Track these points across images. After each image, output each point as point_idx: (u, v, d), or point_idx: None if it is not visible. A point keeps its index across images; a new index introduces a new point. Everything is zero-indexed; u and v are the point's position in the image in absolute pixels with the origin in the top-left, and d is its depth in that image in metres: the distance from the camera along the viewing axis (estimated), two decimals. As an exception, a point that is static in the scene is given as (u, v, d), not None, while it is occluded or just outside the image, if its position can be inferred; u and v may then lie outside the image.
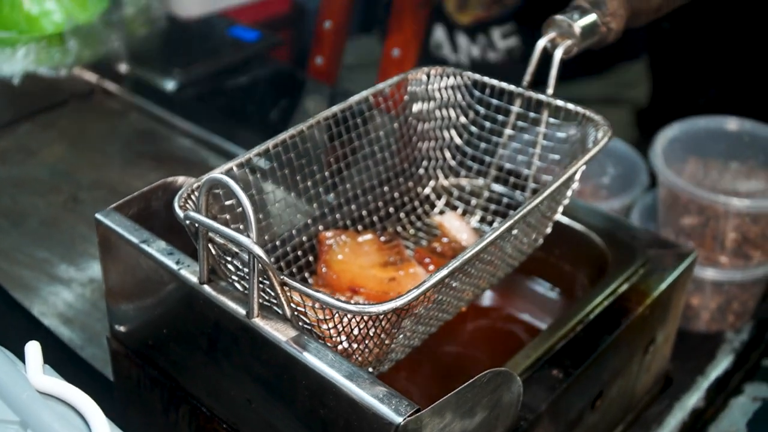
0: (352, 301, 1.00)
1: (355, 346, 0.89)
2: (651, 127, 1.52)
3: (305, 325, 0.87)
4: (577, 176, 1.02)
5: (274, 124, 1.87)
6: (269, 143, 1.00)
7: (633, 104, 1.99)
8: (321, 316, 0.85)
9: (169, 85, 1.92)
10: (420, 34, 1.48)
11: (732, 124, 1.48)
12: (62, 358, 1.25)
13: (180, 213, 0.87)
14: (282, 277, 0.83)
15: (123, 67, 1.95)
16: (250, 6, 2.28)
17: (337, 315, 0.84)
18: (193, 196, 0.92)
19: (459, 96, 1.14)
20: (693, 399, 1.30)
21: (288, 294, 0.84)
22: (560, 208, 1.06)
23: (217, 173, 0.86)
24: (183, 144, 1.77)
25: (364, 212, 1.14)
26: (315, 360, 0.82)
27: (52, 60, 1.80)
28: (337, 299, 0.80)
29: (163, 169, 1.69)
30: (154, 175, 1.67)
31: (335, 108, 1.06)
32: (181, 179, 1.06)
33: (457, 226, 1.11)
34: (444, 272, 0.83)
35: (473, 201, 1.15)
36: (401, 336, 0.90)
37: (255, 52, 1.98)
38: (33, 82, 1.80)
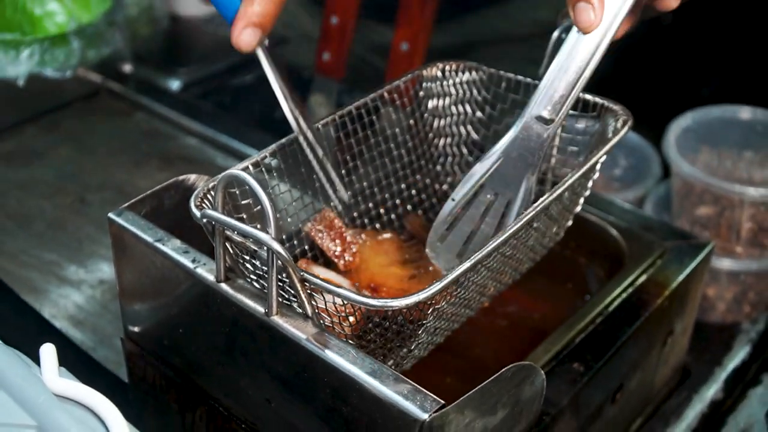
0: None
1: (377, 342, 0.88)
2: (657, 118, 1.51)
3: (326, 323, 0.86)
4: (598, 167, 1.01)
5: (280, 121, 1.86)
6: (283, 141, 0.99)
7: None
8: (343, 313, 0.84)
9: (174, 84, 1.91)
10: (428, 27, 1.47)
11: (745, 113, 1.47)
12: (75, 361, 1.23)
13: (196, 212, 0.86)
14: (302, 273, 0.81)
15: (127, 68, 1.94)
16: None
17: (358, 311, 0.83)
18: (209, 195, 0.90)
19: (475, 91, 1.12)
20: (711, 390, 1.29)
21: (308, 291, 0.83)
22: (581, 200, 1.05)
23: (233, 170, 0.85)
24: (189, 143, 1.76)
25: (381, 210, 1.13)
26: (337, 357, 0.81)
27: (57, 61, 1.80)
28: (359, 294, 0.79)
29: (170, 168, 1.69)
30: (161, 175, 1.66)
31: (350, 105, 1.05)
32: (193, 177, 1.05)
33: None
34: (466, 265, 0.82)
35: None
36: (424, 332, 0.89)
37: (259, 49, 1.97)
38: (37, 84, 1.79)
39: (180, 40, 2.13)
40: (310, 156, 0.97)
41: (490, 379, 0.79)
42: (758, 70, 2.18)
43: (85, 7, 1.98)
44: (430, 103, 1.13)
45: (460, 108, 1.13)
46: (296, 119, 0.97)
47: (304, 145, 0.97)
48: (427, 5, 1.45)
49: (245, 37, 0.90)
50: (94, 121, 1.86)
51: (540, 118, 0.96)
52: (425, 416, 0.76)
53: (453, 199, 1.00)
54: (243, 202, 0.94)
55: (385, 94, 1.09)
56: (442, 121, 1.14)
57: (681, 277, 1.12)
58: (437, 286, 0.79)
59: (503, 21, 1.79)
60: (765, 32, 2.16)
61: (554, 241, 1.08)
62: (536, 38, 1.78)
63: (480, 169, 1.00)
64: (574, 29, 0.93)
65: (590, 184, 1.04)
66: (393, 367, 0.91)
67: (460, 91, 1.13)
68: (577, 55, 0.94)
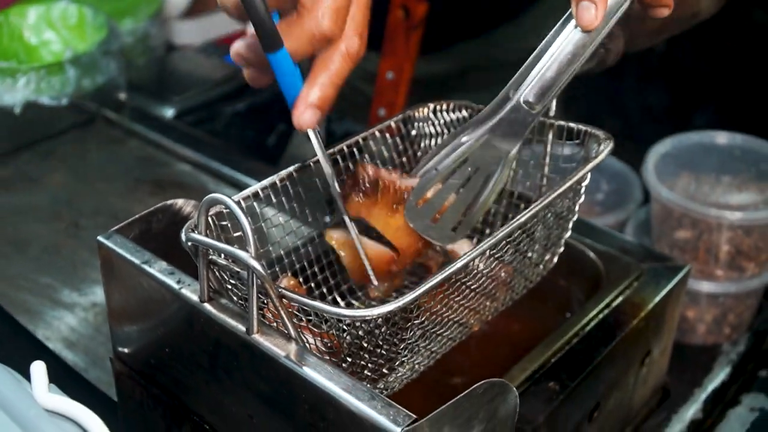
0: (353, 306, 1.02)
1: (363, 361, 0.91)
2: (643, 144, 1.54)
3: (309, 341, 0.89)
4: (582, 190, 1.05)
5: (271, 148, 1.89)
6: (275, 178, 1.02)
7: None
8: (325, 328, 0.87)
9: (168, 112, 1.94)
10: (413, 56, 1.50)
11: (722, 138, 1.50)
12: (67, 380, 1.26)
13: (183, 238, 0.89)
14: (280, 289, 0.84)
15: (122, 96, 1.97)
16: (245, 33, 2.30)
17: (336, 324, 0.86)
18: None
19: None
20: (691, 411, 1.31)
21: (288, 308, 0.86)
22: (569, 225, 1.09)
23: (214, 194, 0.87)
24: (182, 169, 1.79)
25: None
26: (314, 374, 0.84)
27: (53, 89, 1.83)
28: (335, 306, 0.83)
29: (163, 194, 1.71)
30: (154, 201, 1.64)
31: (342, 144, 1.08)
32: (180, 202, 1.08)
33: None
34: (444, 274, 0.85)
35: (487, 230, 1.17)
36: (405, 349, 0.92)
37: (252, 78, 2.00)
38: (34, 111, 1.82)
39: (174, 69, 2.16)
40: (353, 235, 1.01)
41: (462, 395, 0.81)
42: (752, 98, 2.21)
43: (80, 37, 2.02)
44: (423, 143, 1.15)
45: None
46: (340, 200, 1.01)
47: (348, 223, 1.01)
48: (412, 35, 1.48)
49: (306, 117, 0.95)
50: (89, 148, 1.89)
51: (527, 103, 1.01)
52: (398, 429, 0.78)
53: (436, 169, 1.04)
54: (235, 234, 0.95)
55: (377, 133, 1.12)
56: None
57: (657, 299, 1.15)
58: (412, 295, 0.83)
59: (490, 49, 1.81)
60: (758, 61, 2.19)
61: (547, 267, 1.12)
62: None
63: (467, 141, 1.04)
64: (571, 23, 0.97)
65: (577, 207, 1.07)
66: (383, 389, 0.95)
67: (452, 130, 1.14)
68: (569, 49, 0.98)
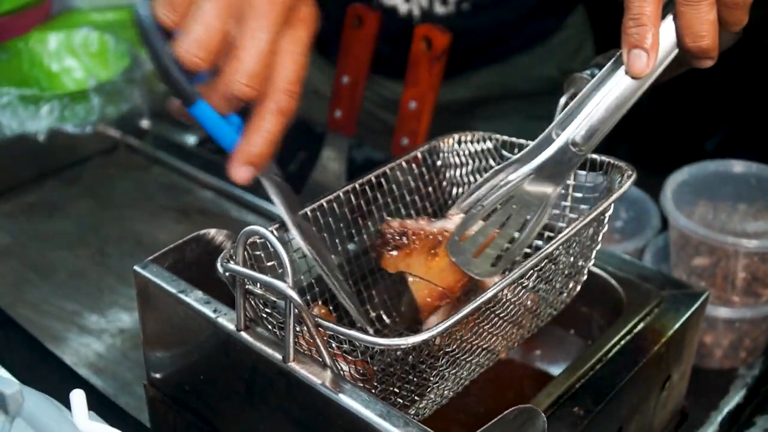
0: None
1: (394, 388, 0.94)
2: (662, 170, 1.56)
3: (343, 368, 0.91)
4: (605, 220, 1.07)
5: (293, 174, 1.91)
6: (307, 209, 1.05)
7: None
8: (359, 356, 0.90)
9: (191, 139, 1.96)
10: (435, 86, 1.52)
11: (738, 167, 1.51)
12: (99, 407, 1.27)
13: (220, 268, 0.92)
14: (317, 319, 0.87)
15: (145, 123, 2.00)
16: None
17: (370, 352, 0.89)
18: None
19: (491, 159, 1.17)
20: (708, 432, 1.33)
21: (324, 337, 0.88)
22: (593, 254, 1.11)
23: (253, 226, 0.90)
24: (205, 196, 1.81)
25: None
26: (350, 401, 0.86)
27: (76, 117, 1.85)
28: (369, 335, 0.85)
29: (187, 221, 1.74)
30: (179, 227, 1.71)
31: (370, 174, 1.11)
32: (213, 231, 1.11)
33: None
34: (475, 304, 0.88)
35: None
36: (436, 375, 0.94)
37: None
38: (58, 139, 1.85)
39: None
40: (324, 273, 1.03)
41: (493, 421, 0.84)
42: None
43: (102, 64, 2.05)
44: (448, 173, 1.18)
45: (477, 176, 1.18)
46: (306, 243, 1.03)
47: (313, 257, 1.03)
48: (435, 66, 1.50)
49: (241, 173, 0.97)
50: (113, 175, 1.92)
51: (574, 144, 1.02)
52: (434, 456, 0.81)
53: (482, 205, 1.07)
54: (268, 264, 0.99)
55: (404, 163, 1.14)
56: (460, 189, 1.19)
57: (677, 325, 1.16)
58: (443, 325, 0.85)
59: (507, 77, 1.84)
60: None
61: (570, 295, 1.14)
62: (539, 95, 1.83)
63: (513, 179, 1.06)
64: (621, 69, 0.98)
65: (600, 237, 1.09)
66: (413, 416, 0.97)
67: (476, 160, 1.18)
68: (617, 94, 0.99)
